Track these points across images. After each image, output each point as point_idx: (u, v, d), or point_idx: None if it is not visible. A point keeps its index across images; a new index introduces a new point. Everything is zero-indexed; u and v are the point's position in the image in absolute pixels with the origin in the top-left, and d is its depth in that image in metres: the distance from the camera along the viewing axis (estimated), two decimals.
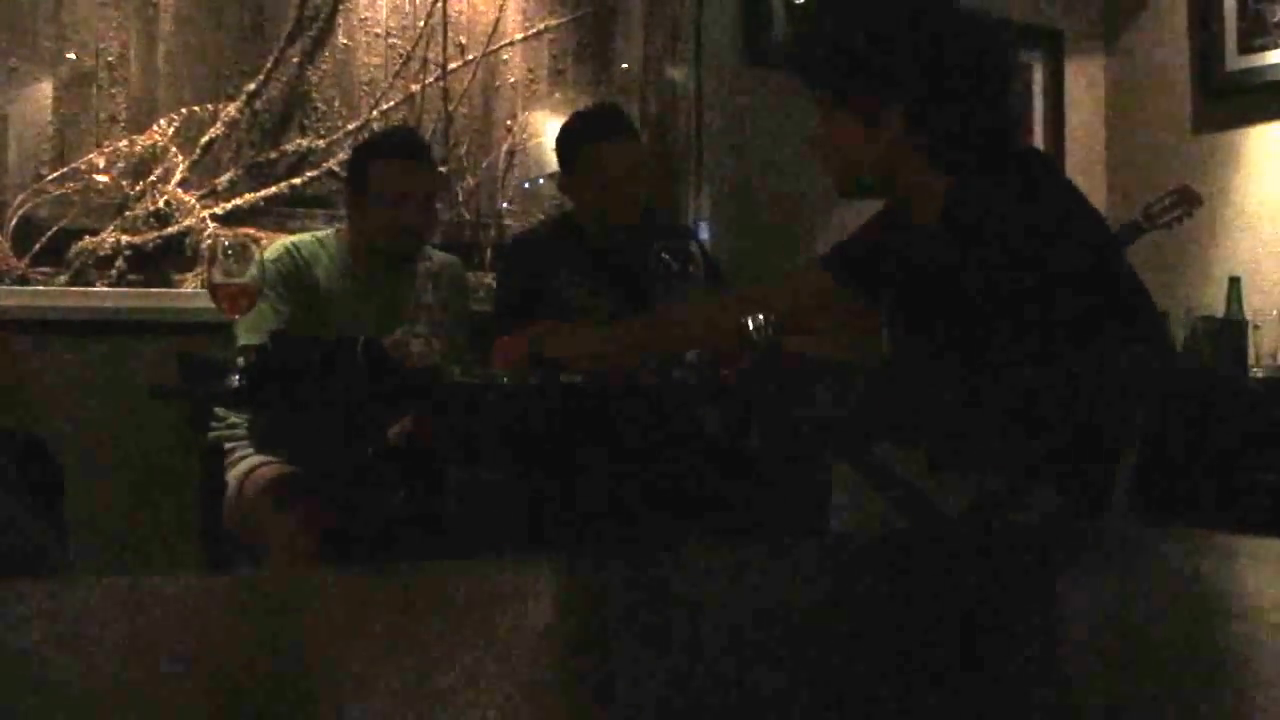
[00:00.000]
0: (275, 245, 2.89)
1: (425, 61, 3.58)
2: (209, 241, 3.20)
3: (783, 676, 0.63)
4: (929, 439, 1.91)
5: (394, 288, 2.94)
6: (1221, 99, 4.17)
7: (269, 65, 3.39)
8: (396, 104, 3.54)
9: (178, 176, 3.26)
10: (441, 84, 3.60)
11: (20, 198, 3.11)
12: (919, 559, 1.10)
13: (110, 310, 3.14)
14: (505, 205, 3.70)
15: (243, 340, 2.59)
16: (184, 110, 3.28)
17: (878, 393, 2.00)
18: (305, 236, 3.01)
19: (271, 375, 2.08)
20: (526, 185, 3.74)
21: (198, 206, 3.27)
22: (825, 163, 2.07)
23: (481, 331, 3.00)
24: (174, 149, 3.25)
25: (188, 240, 3.26)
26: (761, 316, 2.03)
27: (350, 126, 3.47)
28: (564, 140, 3.03)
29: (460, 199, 3.62)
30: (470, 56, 3.64)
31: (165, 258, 3.25)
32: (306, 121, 3.45)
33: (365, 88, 3.53)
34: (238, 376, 2.11)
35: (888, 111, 1.93)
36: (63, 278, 3.15)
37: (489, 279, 3.48)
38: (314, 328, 2.74)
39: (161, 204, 3.24)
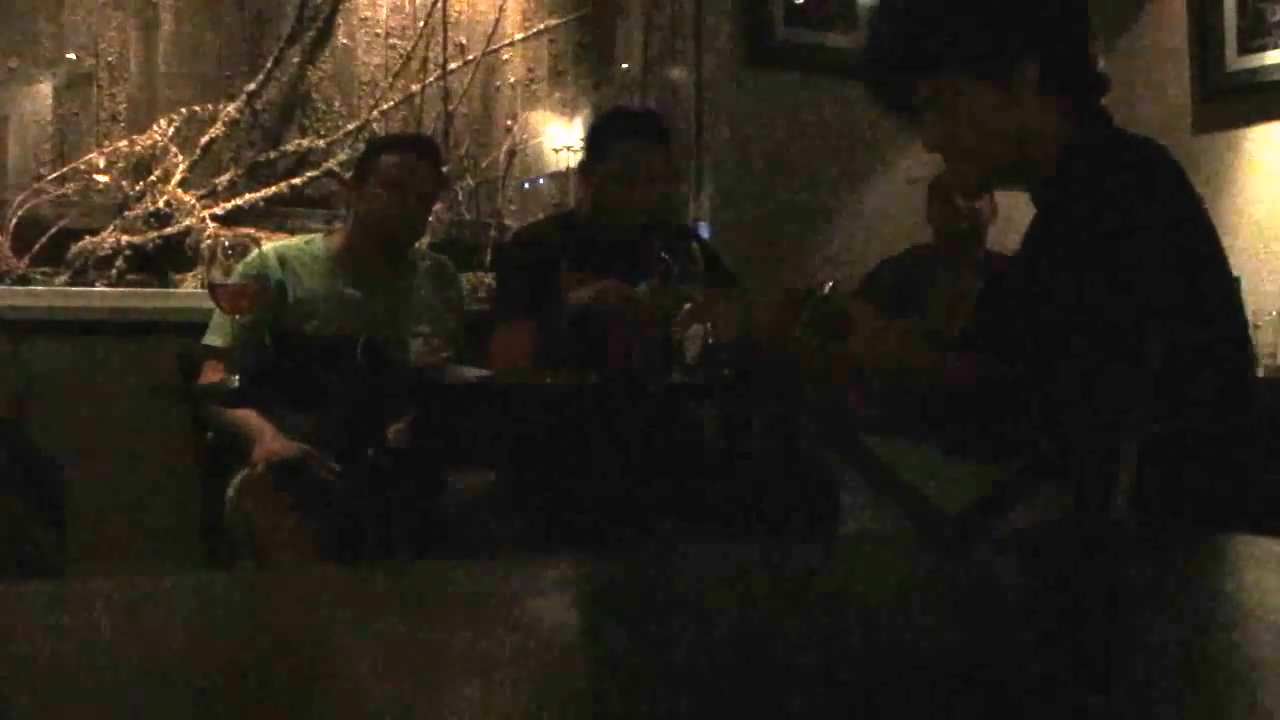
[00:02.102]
0: (258, 251, 2.91)
1: (425, 61, 3.58)
2: (209, 241, 3.20)
3: (782, 677, 0.63)
4: (935, 434, 1.90)
5: (386, 288, 2.95)
6: (1221, 99, 4.16)
7: (269, 65, 3.39)
8: (396, 104, 3.54)
9: (178, 176, 3.26)
10: (441, 84, 3.60)
11: (20, 198, 3.11)
12: (920, 560, 1.10)
13: (110, 310, 3.14)
14: (506, 205, 3.70)
15: (205, 340, 2.80)
16: (184, 110, 3.28)
17: (881, 390, 1.99)
18: (294, 240, 3.02)
19: (271, 374, 2.08)
20: (526, 185, 3.74)
21: (198, 206, 3.27)
22: (961, 152, 1.93)
23: (473, 329, 3.01)
24: (174, 149, 3.25)
25: (188, 240, 3.26)
26: (831, 284, 1.94)
27: (350, 126, 3.47)
28: (597, 129, 3.08)
29: (460, 199, 3.62)
30: (470, 56, 3.64)
31: (165, 258, 3.25)
32: (306, 121, 3.45)
33: (365, 88, 3.53)
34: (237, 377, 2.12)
35: (1021, 67, 1.86)
36: (63, 278, 3.14)
37: (489, 279, 3.48)
38: (300, 328, 2.75)
39: (161, 204, 3.24)
